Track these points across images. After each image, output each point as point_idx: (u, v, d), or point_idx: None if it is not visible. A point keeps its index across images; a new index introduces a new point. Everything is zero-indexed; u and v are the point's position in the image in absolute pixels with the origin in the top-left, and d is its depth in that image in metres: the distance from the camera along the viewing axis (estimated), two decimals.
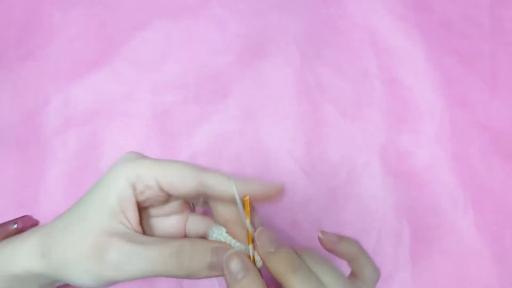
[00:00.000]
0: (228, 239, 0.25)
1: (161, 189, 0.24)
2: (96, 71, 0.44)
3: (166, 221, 0.28)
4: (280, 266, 0.22)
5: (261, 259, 0.24)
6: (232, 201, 0.24)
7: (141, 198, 0.24)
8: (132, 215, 0.24)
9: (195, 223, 0.29)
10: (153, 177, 0.23)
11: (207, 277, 0.23)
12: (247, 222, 0.24)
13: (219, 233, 0.25)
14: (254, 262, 0.24)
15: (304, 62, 0.45)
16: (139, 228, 0.25)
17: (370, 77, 0.45)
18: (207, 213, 0.30)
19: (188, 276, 0.23)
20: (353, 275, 0.27)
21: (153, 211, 0.27)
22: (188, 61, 0.45)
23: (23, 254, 0.24)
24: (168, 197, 0.25)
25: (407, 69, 0.45)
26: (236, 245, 0.24)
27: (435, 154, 0.42)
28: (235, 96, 0.43)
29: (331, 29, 0.46)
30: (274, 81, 0.44)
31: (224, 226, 0.26)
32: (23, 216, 0.29)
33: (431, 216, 0.40)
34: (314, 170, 0.41)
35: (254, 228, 0.25)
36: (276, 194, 0.25)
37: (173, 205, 0.27)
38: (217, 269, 0.23)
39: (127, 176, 0.23)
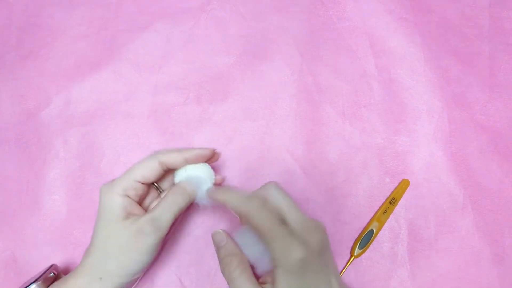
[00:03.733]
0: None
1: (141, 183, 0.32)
2: (97, 72, 0.44)
3: None
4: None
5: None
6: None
7: (133, 194, 0.32)
8: (136, 207, 0.32)
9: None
10: (132, 180, 0.32)
11: None
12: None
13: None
14: None
15: (303, 63, 0.45)
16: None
17: (369, 77, 0.45)
18: None
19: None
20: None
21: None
22: (189, 62, 0.45)
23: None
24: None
25: (406, 70, 0.45)
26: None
27: (433, 154, 0.42)
28: (236, 97, 0.44)
29: (330, 30, 0.47)
30: (274, 81, 0.44)
31: None
32: (52, 265, 0.35)
33: (430, 215, 0.40)
34: (313, 170, 0.41)
35: None
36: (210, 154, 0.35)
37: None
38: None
39: (118, 193, 0.31)
